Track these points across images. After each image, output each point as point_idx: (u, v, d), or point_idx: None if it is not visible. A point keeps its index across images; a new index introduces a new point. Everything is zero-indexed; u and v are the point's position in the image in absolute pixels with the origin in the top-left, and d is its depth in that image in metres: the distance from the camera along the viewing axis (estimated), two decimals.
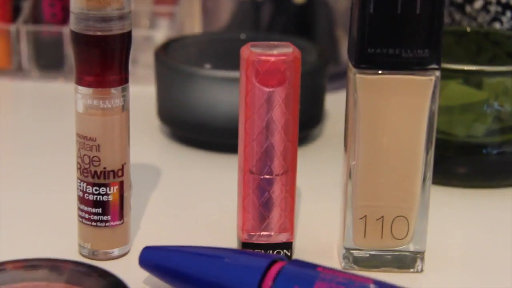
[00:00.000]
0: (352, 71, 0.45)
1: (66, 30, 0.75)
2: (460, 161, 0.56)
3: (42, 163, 0.61)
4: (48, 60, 0.76)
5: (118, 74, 0.46)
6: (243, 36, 0.67)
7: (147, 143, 0.64)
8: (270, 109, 0.45)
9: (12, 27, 0.76)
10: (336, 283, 0.39)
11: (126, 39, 0.46)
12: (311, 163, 0.59)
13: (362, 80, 0.44)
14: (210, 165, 0.61)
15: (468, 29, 0.64)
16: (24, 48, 0.76)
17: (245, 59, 0.45)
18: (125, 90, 0.47)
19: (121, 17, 0.46)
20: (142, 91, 0.69)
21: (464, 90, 0.55)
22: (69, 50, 0.75)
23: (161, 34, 0.76)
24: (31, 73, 0.76)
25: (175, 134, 0.64)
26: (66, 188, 0.55)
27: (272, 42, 0.46)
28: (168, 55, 0.63)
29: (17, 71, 0.76)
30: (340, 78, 0.73)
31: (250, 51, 0.45)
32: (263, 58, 0.45)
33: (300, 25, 0.73)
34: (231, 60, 0.66)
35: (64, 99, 0.74)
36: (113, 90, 0.46)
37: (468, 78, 0.55)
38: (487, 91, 0.55)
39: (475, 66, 0.56)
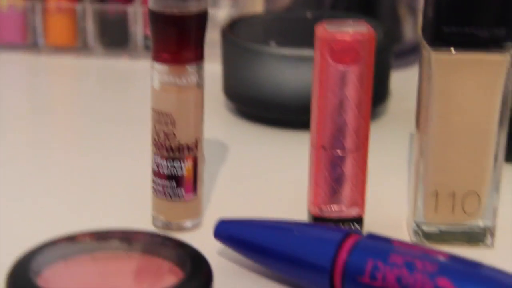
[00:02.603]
0: (427, 50, 0.45)
1: (131, 9, 0.76)
2: None
3: (111, 136, 0.62)
4: (113, 38, 0.77)
5: (193, 52, 0.47)
6: (309, 15, 0.68)
7: (213, 119, 0.65)
8: (344, 87, 0.46)
9: (79, 6, 0.77)
10: (412, 256, 0.40)
11: (202, 18, 0.47)
12: (377, 140, 0.59)
13: (437, 59, 0.45)
14: (275, 141, 0.62)
15: None
16: (90, 26, 0.77)
17: (320, 38, 0.46)
18: (200, 68, 0.48)
19: None
20: (205, 68, 0.69)
21: None
22: (133, 28, 0.77)
23: (223, 13, 0.77)
24: (96, 51, 0.78)
25: (240, 111, 0.65)
26: (133, 162, 0.57)
27: (346, 21, 0.46)
28: (234, 34, 0.64)
29: (83, 48, 0.78)
30: (402, 57, 0.73)
31: (325, 30, 0.46)
32: (339, 36, 0.45)
33: (364, 3, 0.73)
34: (297, 38, 0.66)
35: (128, 76, 0.75)
36: (188, 67, 0.48)
37: None
38: None
39: None
